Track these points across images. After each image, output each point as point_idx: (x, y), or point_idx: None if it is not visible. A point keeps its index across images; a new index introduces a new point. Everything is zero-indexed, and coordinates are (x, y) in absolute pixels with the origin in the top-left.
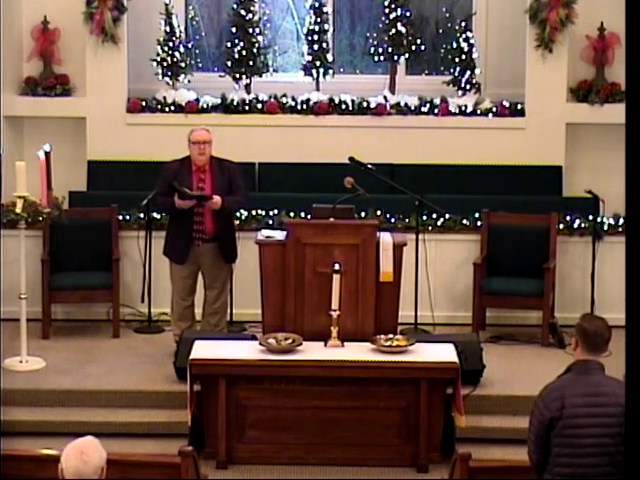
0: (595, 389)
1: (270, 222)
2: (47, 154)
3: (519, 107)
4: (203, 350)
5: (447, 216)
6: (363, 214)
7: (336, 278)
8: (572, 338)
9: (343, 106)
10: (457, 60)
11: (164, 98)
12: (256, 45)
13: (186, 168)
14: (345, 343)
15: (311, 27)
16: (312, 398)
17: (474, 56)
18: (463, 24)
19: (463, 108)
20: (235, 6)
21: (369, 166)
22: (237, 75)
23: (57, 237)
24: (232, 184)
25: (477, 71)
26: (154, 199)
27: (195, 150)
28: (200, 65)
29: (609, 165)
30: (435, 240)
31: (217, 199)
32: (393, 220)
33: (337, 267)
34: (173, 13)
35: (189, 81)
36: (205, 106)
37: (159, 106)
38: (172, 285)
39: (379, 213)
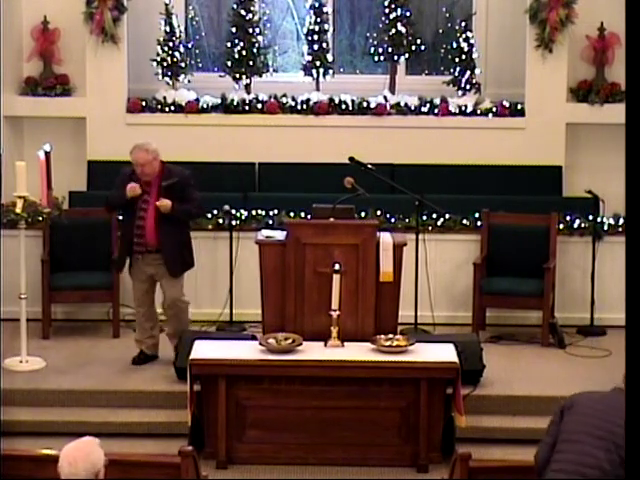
0: (607, 395)
1: (270, 222)
2: (47, 154)
3: (519, 107)
4: (203, 350)
5: (447, 216)
6: (363, 214)
7: (336, 278)
8: None
9: (343, 106)
10: (457, 60)
11: (164, 98)
12: (256, 45)
13: (135, 178)
14: (345, 343)
15: (311, 27)
16: (312, 398)
17: (474, 56)
18: (463, 24)
19: (463, 108)
20: (235, 6)
21: (369, 166)
22: (237, 75)
23: (57, 237)
24: (183, 196)
25: (477, 71)
26: (106, 198)
27: (137, 171)
28: (200, 65)
29: (609, 165)
30: (435, 240)
31: (166, 202)
32: (393, 220)
33: (337, 267)
34: (173, 13)
35: (189, 81)
36: (205, 106)
37: (159, 106)
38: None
39: (379, 213)
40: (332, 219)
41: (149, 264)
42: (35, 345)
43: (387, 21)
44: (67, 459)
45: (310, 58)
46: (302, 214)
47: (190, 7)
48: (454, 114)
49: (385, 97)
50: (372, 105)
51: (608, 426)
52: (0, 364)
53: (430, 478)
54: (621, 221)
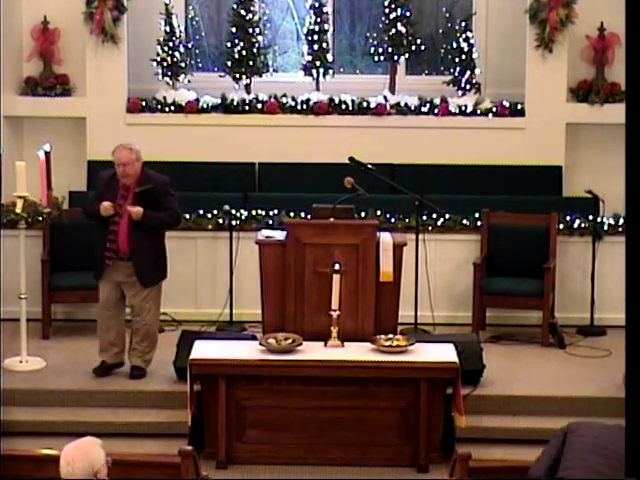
0: (611, 427)
1: (270, 222)
2: (47, 154)
3: (519, 107)
4: (203, 350)
5: (447, 216)
6: (363, 214)
7: (336, 278)
8: None
9: (343, 106)
10: (457, 60)
11: (164, 98)
12: (256, 45)
13: (113, 181)
14: (345, 343)
15: (311, 27)
16: (312, 398)
17: (474, 56)
18: (463, 24)
19: (463, 108)
20: (235, 6)
21: (369, 166)
22: (237, 75)
23: (57, 237)
24: (159, 204)
25: (477, 71)
26: (84, 207)
27: (117, 170)
28: (200, 65)
29: (609, 165)
30: (435, 240)
31: (137, 208)
32: (393, 220)
33: (337, 267)
34: (173, 13)
35: (189, 81)
36: (205, 106)
37: (159, 106)
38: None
39: (379, 213)
40: (332, 219)
41: (119, 271)
42: (35, 345)
43: (387, 21)
44: (66, 458)
45: (310, 58)
46: (302, 214)
47: (190, 7)
48: (454, 114)
49: (385, 97)
50: (372, 105)
51: (615, 450)
52: (0, 364)
53: (430, 478)
54: (621, 221)
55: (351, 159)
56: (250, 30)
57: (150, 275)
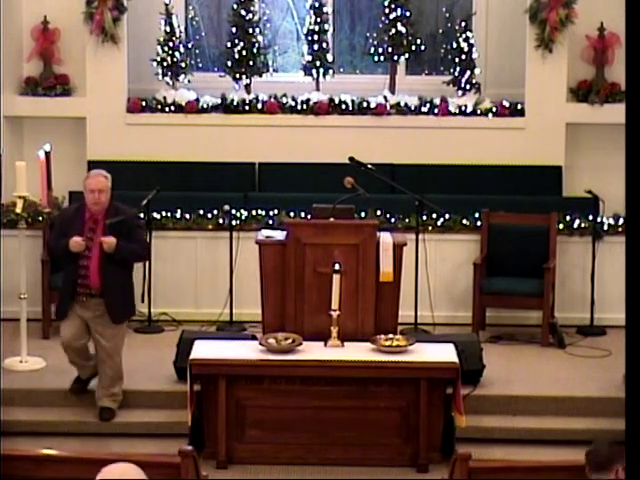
0: None
1: (270, 222)
2: (47, 154)
3: (519, 107)
4: (203, 350)
5: (447, 216)
6: (363, 214)
7: (336, 278)
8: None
9: (343, 106)
10: (457, 60)
11: (164, 98)
12: (256, 45)
13: (80, 215)
14: (345, 343)
15: (311, 27)
16: (312, 398)
17: (474, 56)
18: (463, 24)
19: (463, 108)
20: (235, 6)
21: (369, 166)
22: (237, 75)
23: None
24: (129, 237)
25: (477, 71)
26: (48, 245)
27: (89, 198)
28: (200, 65)
29: (609, 165)
30: (435, 240)
31: (111, 239)
32: (393, 220)
33: (337, 267)
34: (173, 13)
35: (189, 81)
36: (205, 106)
37: (159, 106)
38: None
39: (379, 213)
40: (332, 219)
41: (87, 308)
42: (35, 345)
43: (387, 21)
44: None
45: (310, 58)
46: (302, 214)
47: (190, 7)
48: (454, 114)
49: (385, 97)
50: (372, 105)
51: None
52: (0, 364)
53: (430, 478)
54: (621, 221)
55: (351, 159)
56: (250, 30)
57: (121, 311)
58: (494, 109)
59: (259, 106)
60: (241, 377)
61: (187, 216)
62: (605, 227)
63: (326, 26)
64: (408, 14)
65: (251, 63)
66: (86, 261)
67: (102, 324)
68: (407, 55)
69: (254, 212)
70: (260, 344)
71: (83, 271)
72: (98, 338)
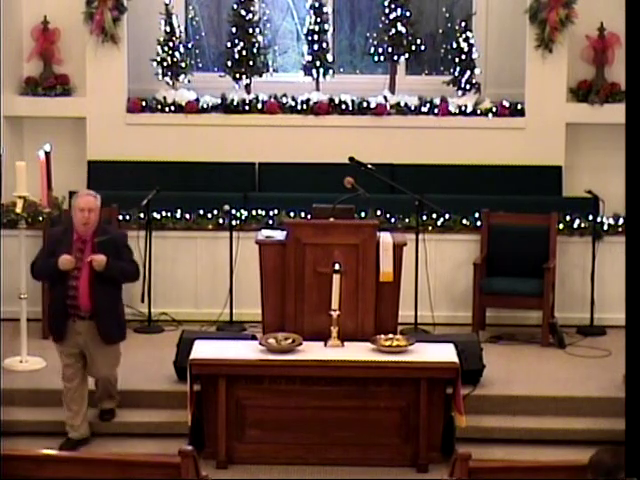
0: None
1: (270, 222)
2: (47, 154)
3: (519, 107)
4: (203, 350)
5: (447, 216)
6: (363, 214)
7: (336, 278)
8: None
9: (343, 106)
10: (457, 60)
11: (164, 98)
12: (256, 45)
13: (68, 235)
14: (345, 343)
15: (311, 27)
16: (312, 398)
17: (474, 56)
18: (463, 24)
19: (463, 108)
20: (235, 6)
21: (369, 166)
22: (237, 75)
23: None
24: (118, 257)
25: (477, 71)
26: (33, 265)
27: (79, 218)
28: (200, 65)
29: (609, 165)
30: (435, 240)
31: (101, 257)
32: (393, 220)
33: (337, 267)
34: (173, 13)
35: (189, 81)
36: (205, 106)
37: (159, 106)
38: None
39: (379, 213)
40: (332, 219)
41: (79, 332)
42: (35, 345)
43: (387, 21)
44: None
45: (310, 58)
46: (302, 214)
47: (190, 7)
48: (454, 114)
49: (385, 97)
50: (372, 105)
51: None
52: (0, 364)
53: (430, 478)
54: (621, 221)
55: (351, 159)
56: (250, 30)
57: (114, 333)
58: (494, 109)
59: (259, 106)
60: (241, 377)
61: (187, 216)
62: (605, 227)
63: (326, 26)
64: (408, 14)
65: (251, 63)
66: (75, 282)
67: (94, 347)
68: (407, 55)
69: (254, 212)
70: (260, 344)
71: (72, 292)
72: (93, 360)
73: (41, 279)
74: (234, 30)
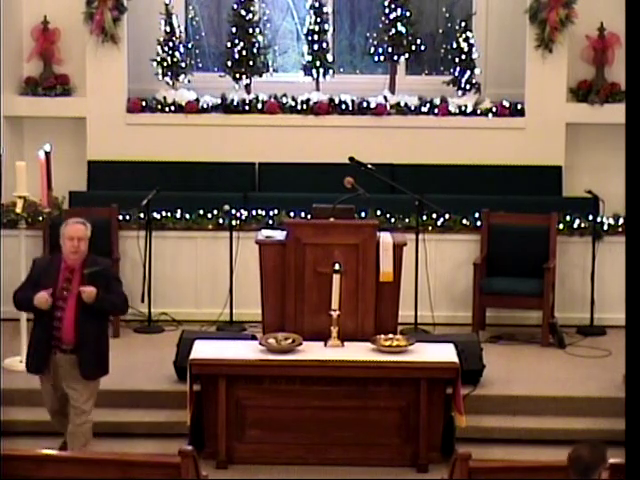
0: None
1: (270, 222)
2: (47, 154)
3: (519, 107)
4: (203, 350)
5: (447, 216)
6: (363, 214)
7: (336, 278)
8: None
9: (343, 106)
10: (457, 60)
11: (164, 98)
12: (256, 45)
13: (55, 265)
14: (345, 343)
15: (311, 27)
16: (312, 398)
17: (474, 56)
18: (463, 24)
19: (463, 108)
20: (235, 6)
21: (369, 166)
22: (237, 75)
23: (57, 237)
24: (107, 289)
25: (477, 71)
26: (15, 295)
27: (68, 246)
28: (200, 65)
29: (609, 165)
30: (435, 240)
31: (91, 288)
32: (393, 220)
33: (337, 267)
34: (173, 13)
35: (189, 81)
36: (205, 106)
37: (159, 106)
38: (43, 398)
39: (379, 213)
40: (332, 219)
41: (60, 365)
42: None
43: (387, 21)
44: None
45: (310, 58)
46: (302, 214)
47: (190, 7)
48: (454, 114)
49: (385, 97)
50: (372, 105)
51: None
52: (0, 364)
53: (430, 478)
54: (621, 221)
55: (351, 159)
56: (250, 30)
57: (94, 368)
58: (494, 109)
59: (259, 106)
60: (241, 377)
61: (187, 216)
62: (605, 227)
63: (326, 26)
64: (408, 14)
65: (251, 63)
66: (60, 312)
67: (73, 378)
68: (407, 55)
69: (254, 212)
70: (260, 344)
71: (56, 323)
72: (70, 395)
73: (22, 310)
74: (234, 30)
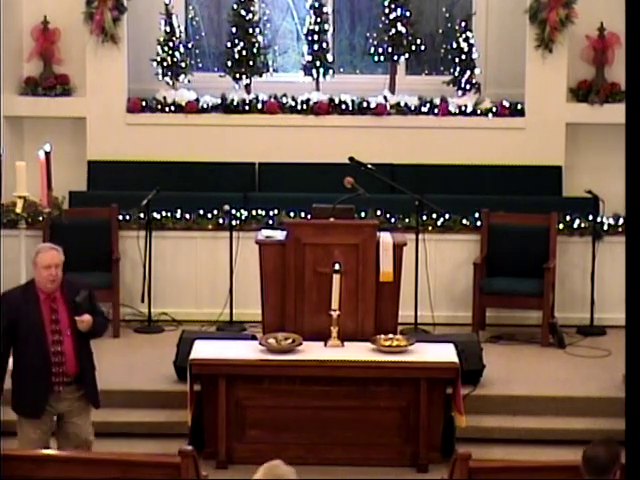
0: None
1: (270, 222)
2: (47, 154)
3: (519, 107)
4: (203, 350)
5: (447, 216)
6: (363, 214)
7: (336, 278)
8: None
9: (343, 106)
10: (457, 60)
11: (164, 98)
12: (256, 45)
13: (32, 297)
14: (345, 343)
15: (311, 27)
16: (312, 398)
17: (474, 56)
18: (463, 24)
19: (463, 108)
20: (235, 6)
21: (369, 166)
22: (237, 75)
23: (57, 237)
24: (93, 310)
25: (477, 71)
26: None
27: (44, 276)
28: (200, 65)
29: (609, 165)
30: (435, 240)
31: (87, 317)
32: (393, 220)
33: (337, 267)
34: (173, 13)
35: (189, 81)
36: (205, 106)
37: (159, 106)
38: (19, 444)
39: (379, 213)
40: (332, 219)
41: (63, 399)
42: None
43: (387, 21)
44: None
45: (310, 58)
46: (302, 214)
47: (190, 7)
48: (454, 114)
49: (385, 97)
50: (372, 105)
51: None
52: None
53: (430, 478)
54: (621, 221)
55: (351, 159)
56: (250, 30)
57: (97, 393)
58: (494, 109)
59: (259, 106)
60: (241, 377)
61: (187, 216)
62: (605, 227)
63: (326, 26)
64: (408, 14)
65: (251, 63)
66: (59, 347)
67: (78, 412)
68: (407, 55)
69: (254, 212)
70: (260, 344)
71: (58, 358)
72: (73, 430)
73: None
74: (234, 30)
